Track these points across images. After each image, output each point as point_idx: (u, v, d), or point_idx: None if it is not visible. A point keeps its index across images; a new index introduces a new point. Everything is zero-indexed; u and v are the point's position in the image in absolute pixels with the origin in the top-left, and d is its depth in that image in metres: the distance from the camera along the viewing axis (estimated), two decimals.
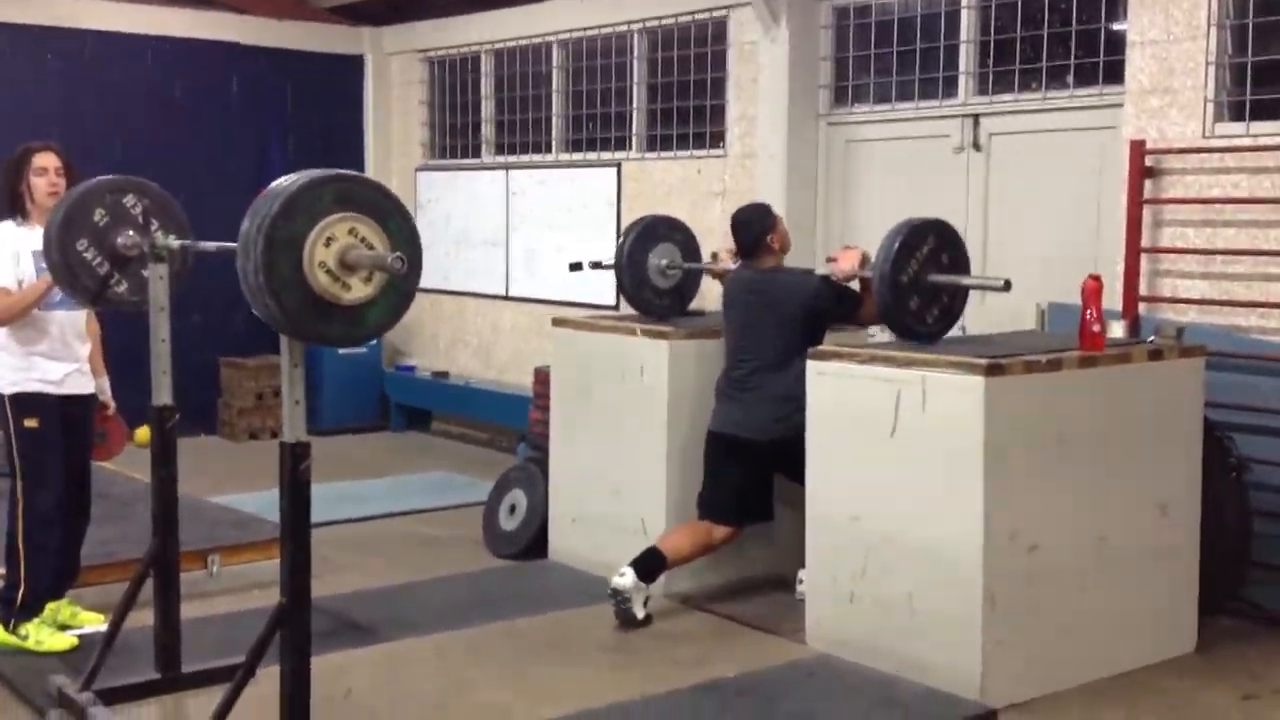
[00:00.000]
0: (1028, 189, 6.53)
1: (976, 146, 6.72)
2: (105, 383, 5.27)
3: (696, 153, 8.03)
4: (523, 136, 9.45)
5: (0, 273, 4.79)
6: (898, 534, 4.66)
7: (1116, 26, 6.12)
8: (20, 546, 4.86)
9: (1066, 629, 4.64)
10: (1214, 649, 5.04)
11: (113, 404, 5.31)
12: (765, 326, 5.34)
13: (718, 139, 7.96)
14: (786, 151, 7.31)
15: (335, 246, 3.17)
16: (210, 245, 4.20)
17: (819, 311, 5.30)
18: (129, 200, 4.40)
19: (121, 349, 8.92)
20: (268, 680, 3.62)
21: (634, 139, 8.50)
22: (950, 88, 6.87)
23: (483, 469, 8.29)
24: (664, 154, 8.24)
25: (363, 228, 3.21)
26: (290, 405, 3.37)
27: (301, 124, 10.15)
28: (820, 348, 5.04)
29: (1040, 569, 4.54)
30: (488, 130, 9.80)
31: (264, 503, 6.69)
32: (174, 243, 4.31)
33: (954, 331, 6.56)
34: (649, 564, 5.30)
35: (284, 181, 3.19)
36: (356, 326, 3.28)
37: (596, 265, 6.39)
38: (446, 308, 10.10)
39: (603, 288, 8.49)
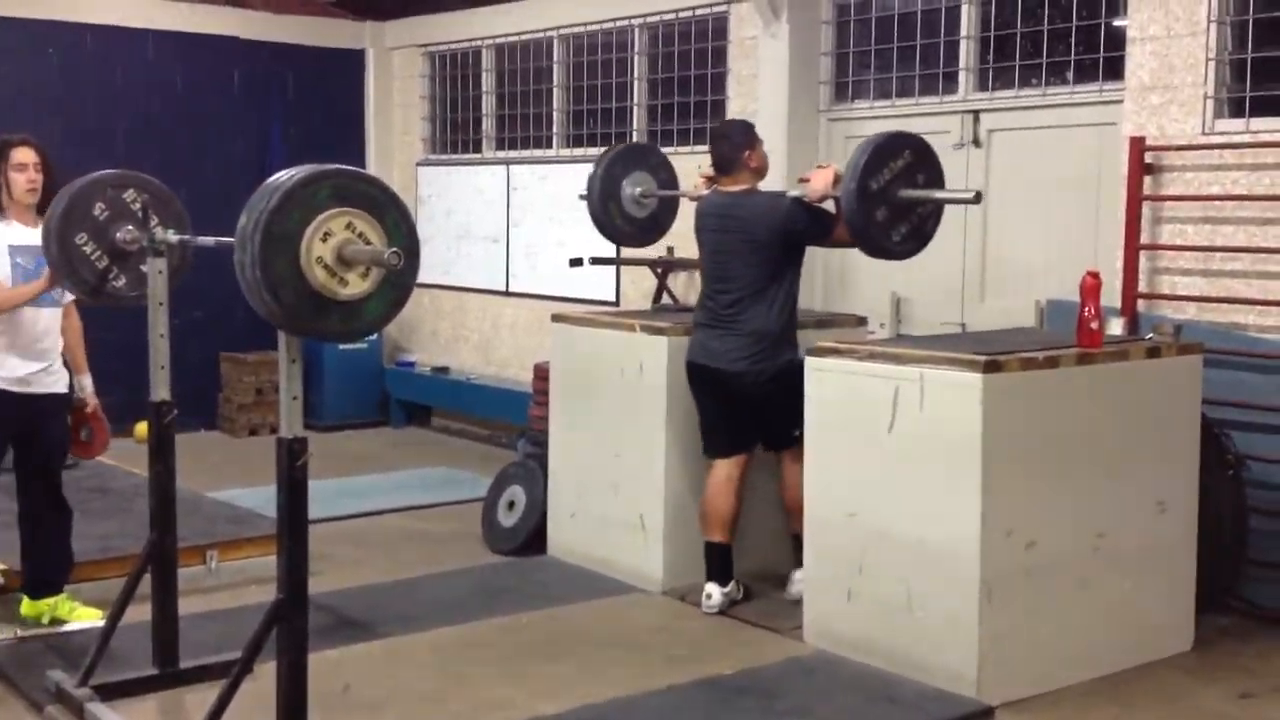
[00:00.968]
0: (1027, 185, 6.53)
1: (976, 142, 6.72)
2: (87, 380, 5.14)
3: (697, 148, 8.01)
4: (524, 131, 9.44)
5: None
6: (895, 531, 4.66)
7: (1117, 23, 6.11)
8: None
9: (1064, 626, 4.64)
10: (1211, 647, 5.04)
11: (93, 401, 5.17)
12: (739, 253, 5.25)
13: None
14: (787, 147, 7.30)
15: (332, 242, 3.18)
16: (209, 240, 4.20)
17: (793, 233, 5.18)
18: (129, 195, 4.41)
19: (120, 345, 8.96)
20: (265, 675, 3.64)
21: (635, 134, 8.49)
22: (950, 83, 6.86)
23: (482, 465, 8.30)
24: (664, 149, 8.22)
25: (360, 223, 3.22)
26: (288, 401, 3.38)
27: (302, 118, 10.14)
28: (819, 344, 5.03)
29: (1037, 566, 4.54)
30: (489, 125, 9.80)
31: (263, 498, 6.68)
32: (173, 237, 4.33)
33: (953, 329, 6.61)
34: (719, 564, 5.38)
35: (281, 176, 3.20)
36: (354, 322, 3.29)
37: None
38: (447, 303, 10.10)
39: (603, 284, 8.49)
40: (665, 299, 7.74)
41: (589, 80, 8.90)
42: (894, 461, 4.66)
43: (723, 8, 7.83)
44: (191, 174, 8.96)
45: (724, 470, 5.39)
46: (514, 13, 9.28)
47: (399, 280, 3.29)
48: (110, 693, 4.25)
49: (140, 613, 4.46)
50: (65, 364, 5.06)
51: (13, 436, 4.90)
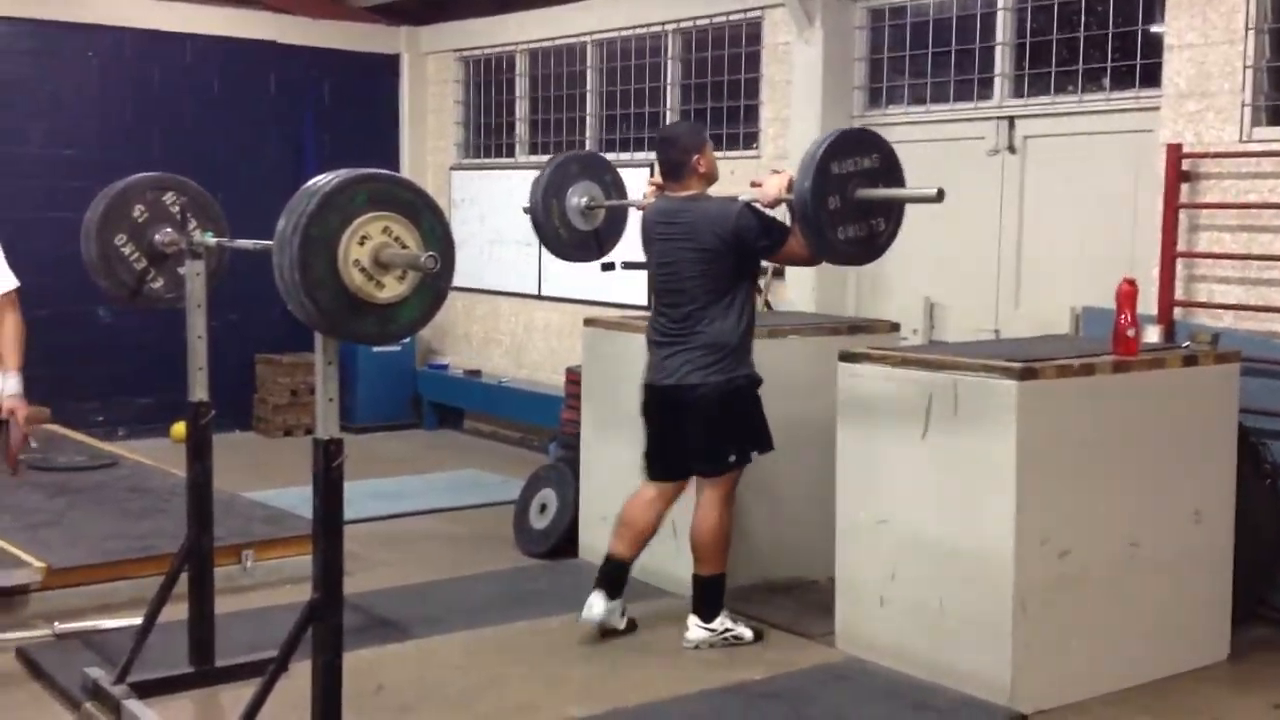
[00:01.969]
0: (1063, 192, 6.50)
1: (1011, 149, 6.70)
2: (13, 380, 4.50)
3: (730, 153, 8.02)
4: (557, 136, 9.47)
5: None
6: (928, 538, 4.65)
7: (1154, 29, 6.08)
8: None
9: (1098, 635, 4.62)
10: (1246, 657, 5.00)
11: (11, 403, 4.54)
12: (686, 262, 4.92)
13: (751, 140, 7.95)
14: None
15: (369, 245, 3.20)
16: (247, 243, 4.23)
17: (743, 241, 4.82)
18: (168, 197, 4.45)
19: (154, 346, 9.04)
20: (300, 674, 3.66)
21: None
22: (985, 90, 6.84)
23: (514, 467, 8.32)
24: None
25: (396, 226, 3.24)
26: (324, 402, 3.40)
27: (338, 122, 10.21)
28: (851, 350, 5.03)
29: (1072, 574, 4.52)
30: (522, 130, 9.84)
31: (297, 499, 6.73)
32: (211, 240, 4.36)
33: (987, 335, 6.59)
34: (612, 577, 5.14)
35: (319, 180, 3.23)
36: (390, 324, 3.31)
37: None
38: (479, 306, 10.14)
39: (635, 288, 8.50)
40: None
41: (622, 85, 8.92)
42: (927, 468, 4.65)
43: (756, 13, 7.83)
44: (228, 177, 9.03)
45: (654, 490, 5.16)
46: (548, 18, 9.31)
47: (434, 284, 3.31)
48: (147, 690, 4.29)
49: (177, 611, 4.50)
50: None
51: None
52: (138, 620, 4.54)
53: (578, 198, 5.57)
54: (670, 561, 5.70)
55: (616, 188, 5.69)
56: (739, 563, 5.70)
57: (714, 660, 4.94)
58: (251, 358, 9.85)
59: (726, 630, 5.07)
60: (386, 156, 10.31)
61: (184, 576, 4.43)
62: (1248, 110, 5.61)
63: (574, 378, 6.75)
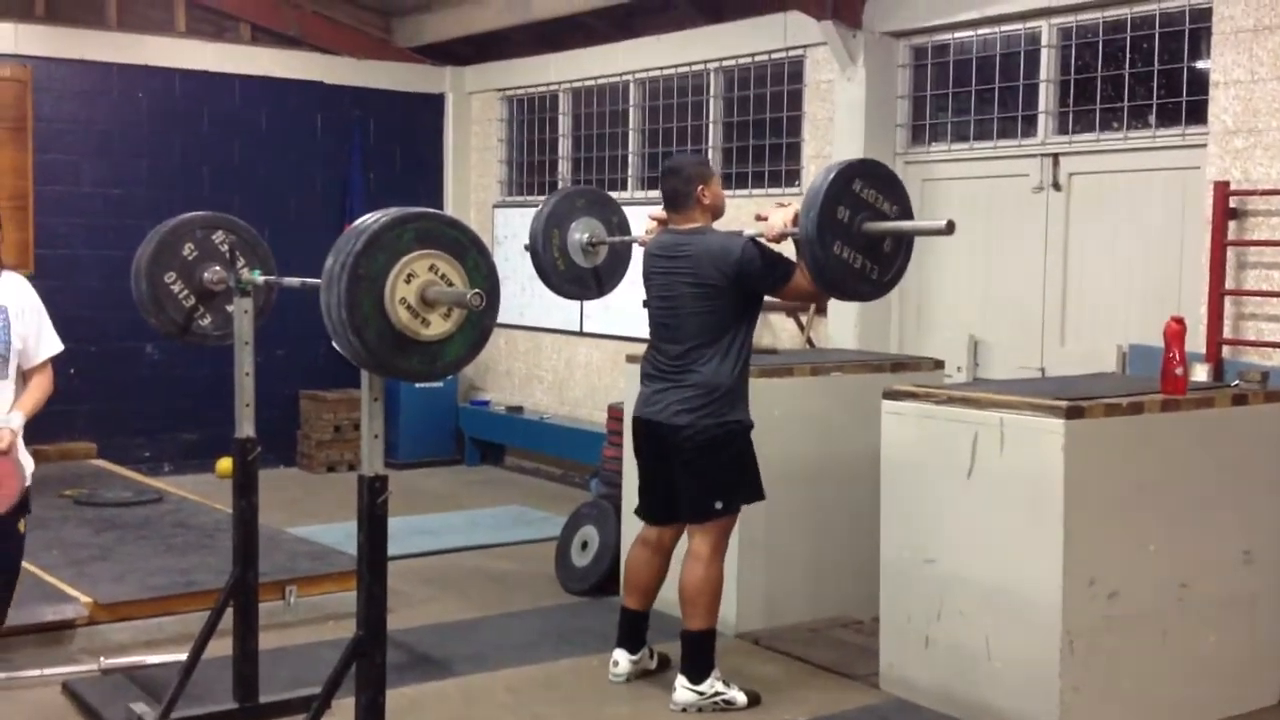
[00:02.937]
0: (1109, 230, 6.46)
1: (1056, 186, 6.67)
2: (16, 417, 3.94)
3: (772, 191, 8.03)
4: (599, 174, 9.52)
5: None
6: (974, 578, 4.61)
7: (1200, 66, 6.05)
8: None
9: (1146, 678, 4.55)
10: None
11: (10, 438, 3.88)
12: (687, 298, 4.75)
13: (794, 177, 7.96)
14: None
15: (416, 283, 3.22)
16: (294, 281, 4.27)
17: (747, 276, 4.65)
18: (217, 236, 4.50)
19: (200, 382, 9.13)
20: (343, 712, 3.66)
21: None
22: (1030, 127, 6.82)
23: (556, 504, 8.32)
24: (739, 192, 8.25)
25: (442, 264, 3.26)
26: (369, 439, 3.42)
27: (383, 161, 10.31)
28: (896, 388, 5.00)
29: (1120, 616, 4.47)
30: (565, 167, 9.89)
31: (340, 535, 6.77)
32: (259, 278, 4.40)
33: (1032, 373, 6.54)
34: (629, 631, 5.06)
35: (367, 219, 3.26)
36: (435, 362, 3.32)
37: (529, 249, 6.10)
38: (521, 343, 10.17)
39: None
40: None
41: (664, 123, 8.96)
42: (973, 507, 4.61)
43: (799, 52, 7.86)
44: (275, 215, 9.17)
45: (653, 536, 5.01)
46: (590, 57, 9.38)
47: (479, 321, 3.32)
48: None
49: (221, 647, 4.52)
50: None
51: None
52: (182, 656, 4.55)
53: (580, 233, 5.39)
54: None
55: (621, 229, 5.52)
56: (783, 601, 5.68)
57: None
58: (296, 394, 9.92)
59: (717, 694, 4.76)
60: (431, 194, 10.40)
61: (228, 612, 4.45)
62: None
63: (616, 414, 6.75)
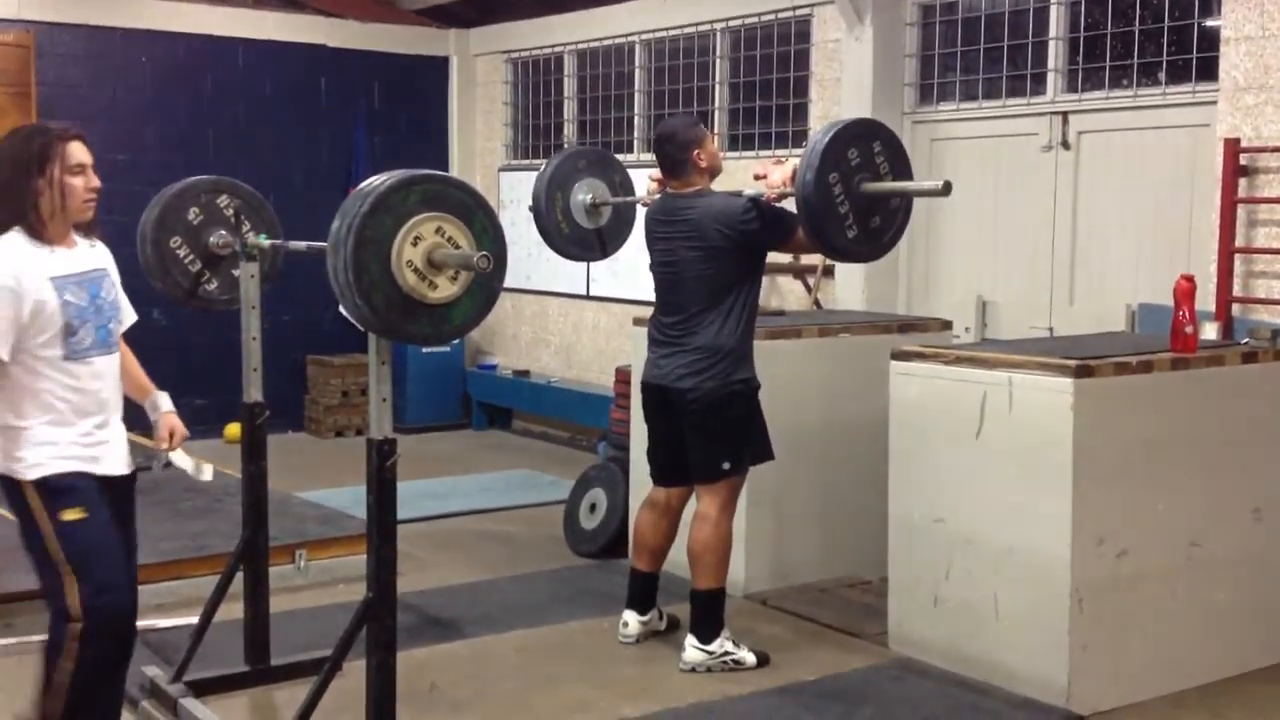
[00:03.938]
0: (1118, 188, 6.42)
1: (1065, 145, 6.62)
2: (163, 398, 3.93)
3: (779, 152, 7.98)
4: (605, 136, 9.47)
5: None
6: (983, 537, 4.61)
7: (1210, 23, 6.00)
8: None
9: (1156, 635, 4.56)
10: None
11: (167, 419, 3.92)
12: (689, 261, 4.73)
13: (800, 138, 7.91)
14: None
15: (422, 246, 3.21)
16: (300, 245, 4.26)
17: (748, 234, 4.63)
18: (222, 200, 4.48)
19: (207, 348, 9.14)
20: (354, 674, 3.68)
21: (716, 138, 8.48)
22: (1038, 85, 6.78)
23: (563, 467, 8.34)
24: (745, 153, 8.22)
25: (449, 227, 3.25)
26: (377, 402, 3.42)
27: (388, 124, 10.27)
28: (904, 348, 4.99)
29: (1129, 574, 4.47)
30: (570, 130, 9.85)
31: (349, 499, 6.79)
32: (265, 242, 4.39)
33: (1041, 333, 6.52)
34: (639, 593, 5.08)
35: (373, 181, 3.24)
36: (443, 325, 3.32)
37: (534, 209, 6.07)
38: (528, 307, 10.16)
39: None
40: None
41: (670, 85, 8.91)
42: (982, 467, 4.60)
43: (805, 11, 7.80)
44: (280, 179, 9.14)
45: (662, 498, 5.02)
46: (596, 18, 9.31)
47: (487, 283, 3.31)
48: (203, 689, 4.32)
49: (232, 611, 4.53)
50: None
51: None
52: (194, 619, 4.58)
53: (583, 194, 5.35)
54: None
55: (624, 189, 5.47)
56: (791, 562, 5.69)
57: None
58: (303, 359, 9.92)
59: (726, 653, 4.78)
60: (436, 158, 10.37)
61: (239, 576, 4.46)
62: None
63: (623, 377, 6.74)
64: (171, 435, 3.93)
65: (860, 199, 4.20)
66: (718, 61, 8.51)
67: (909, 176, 4.38)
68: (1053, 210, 6.67)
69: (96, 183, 3.57)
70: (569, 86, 9.83)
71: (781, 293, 8.04)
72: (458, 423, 10.15)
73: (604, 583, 5.89)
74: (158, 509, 6.35)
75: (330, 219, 3.21)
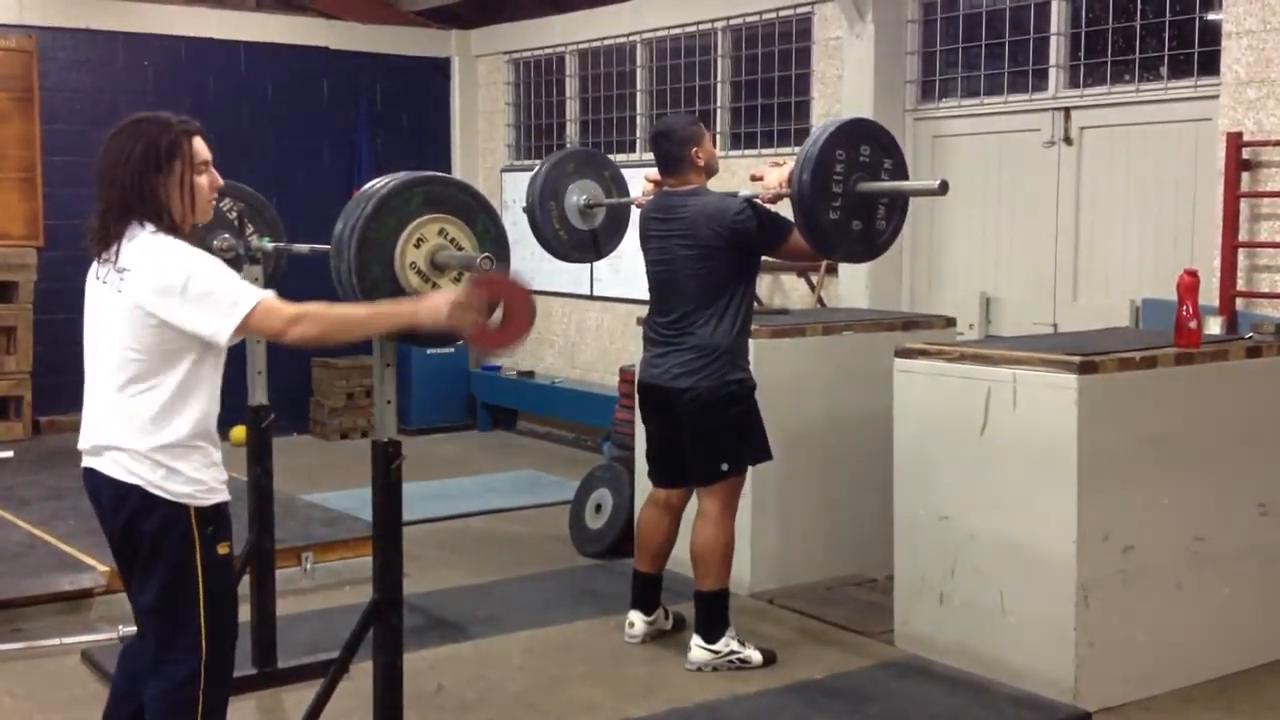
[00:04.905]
0: (1120, 183, 6.42)
1: (1068, 140, 6.62)
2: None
3: (781, 150, 7.98)
4: (606, 136, 9.48)
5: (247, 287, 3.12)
6: (988, 534, 4.61)
7: (1211, 17, 5.99)
8: None
9: (1162, 631, 4.56)
10: None
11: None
12: (684, 260, 4.71)
13: (802, 136, 7.86)
14: None
15: (425, 247, 3.22)
16: (303, 247, 4.27)
17: (742, 235, 4.59)
18: (225, 204, 4.48)
19: None
20: (361, 675, 3.69)
21: (718, 137, 8.48)
22: (1040, 81, 6.77)
23: (568, 468, 8.34)
24: (748, 151, 8.22)
25: (452, 229, 3.26)
26: (382, 404, 3.42)
27: (390, 126, 10.28)
28: (908, 346, 4.99)
29: (1135, 570, 4.46)
30: (572, 130, 9.85)
31: (355, 501, 6.79)
32: (268, 245, 4.40)
33: (1044, 329, 6.52)
34: (643, 593, 5.07)
35: (376, 184, 3.25)
36: None
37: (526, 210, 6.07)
38: None
39: None
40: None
41: (672, 84, 8.91)
42: (987, 464, 4.60)
43: (806, 9, 7.80)
44: (282, 182, 9.14)
45: (663, 498, 5.00)
46: (597, 18, 9.32)
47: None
48: None
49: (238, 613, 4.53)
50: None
51: None
52: None
53: (576, 196, 5.35)
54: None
55: (615, 184, 5.46)
56: (797, 561, 5.69)
57: None
58: (308, 361, 9.93)
59: (732, 652, 4.77)
60: (438, 159, 10.37)
61: (245, 579, 4.47)
62: None
63: (628, 377, 6.74)
64: None
65: (856, 199, 4.17)
66: (719, 60, 8.50)
67: (906, 176, 4.37)
68: (1055, 206, 6.67)
69: (220, 181, 3.30)
70: (570, 86, 9.83)
71: (785, 291, 8.04)
72: (462, 424, 10.16)
73: (610, 583, 5.89)
74: None
75: (332, 221, 3.22)
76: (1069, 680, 4.37)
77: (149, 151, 3.09)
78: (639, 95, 9.18)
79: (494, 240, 3.31)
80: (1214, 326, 5.04)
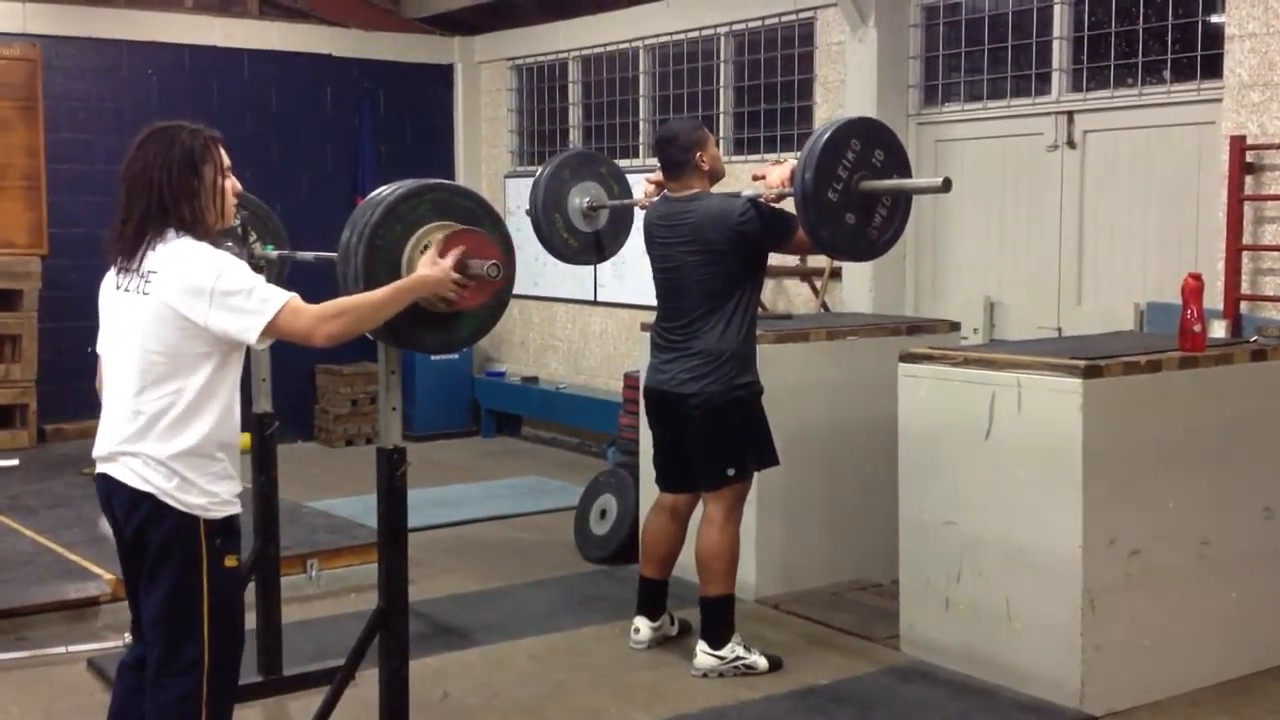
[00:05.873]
0: (1124, 187, 6.42)
1: (1071, 144, 6.62)
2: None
3: (784, 155, 7.98)
4: (610, 142, 9.48)
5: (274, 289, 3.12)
6: (994, 539, 4.60)
7: (1214, 20, 5.99)
8: None
9: (1168, 635, 4.55)
10: None
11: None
12: (689, 265, 4.71)
13: (805, 141, 7.90)
14: None
15: (431, 254, 3.21)
16: (308, 255, 4.27)
17: (748, 235, 4.60)
18: None
19: None
20: (367, 682, 3.69)
21: (721, 142, 8.48)
22: (1043, 85, 6.77)
23: (573, 474, 8.34)
24: (750, 156, 8.22)
25: None
26: (387, 411, 3.42)
27: (393, 133, 10.30)
28: (912, 350, 4.99)
29: (1141, 574, 4.46)
30: (575, 136, 9.85)
31: (360, 508, 6.79)
32: (272, 253, 4.40)
33: (1049, 333, 6.51)
34: (649, 599, 5.07)
35: (383, 191, 3.26)
36: (452, 334, 3.34)
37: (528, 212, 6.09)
38: (536, 313, 10.17)
39: None
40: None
41: (674, 89, 8.92)
42: (991, 469, 4.60)
43: (809, 14, 7.81)
44: (286, 190, 9.16)
45: (669, 503, 5.00)
46: (599, 24, 9.33)
47: (496, 292, 3.32)
48: None
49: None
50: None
51: None
52: None
53: (578, 198, 5.36)
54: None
55: (615, 179, 5.46)
56: (802, 566, 5.69)
57: None
58: (312, 368, 9.94)
59: (738, 658, 4.77)
60: (442, 166, 10.38)
61: (251, 586, 4.47)
62: None
63: (632, 382, 6.74)
64: None
65: (859, 197, 4.15)
66: (721, 65, 8.51)
67: (908, 174, 4.36)
68: (1059, 210, 6.67)
69: (240, 186, 3.29)
70: (573, 92, 9.84)
71: (789, 295, 8.04)
72: (466, 430, 10.16)
73: (615, 589, 5.89)
74: None
75: (337, 228, 3.22)
76: (1075, 685, 4.37)
77: (186, 156, 3.09)
78: (642, 101, 9.19)
79: (500, 247, 3.31)
80: (1218, 330, 5.03)
